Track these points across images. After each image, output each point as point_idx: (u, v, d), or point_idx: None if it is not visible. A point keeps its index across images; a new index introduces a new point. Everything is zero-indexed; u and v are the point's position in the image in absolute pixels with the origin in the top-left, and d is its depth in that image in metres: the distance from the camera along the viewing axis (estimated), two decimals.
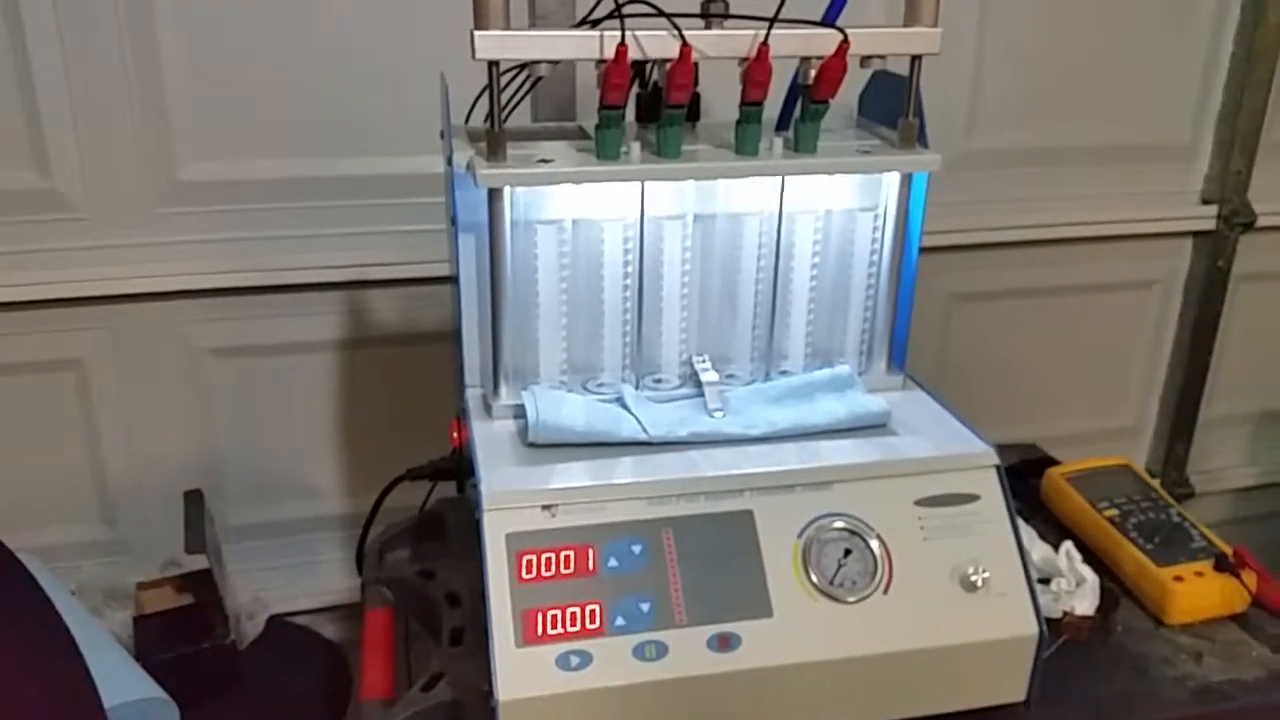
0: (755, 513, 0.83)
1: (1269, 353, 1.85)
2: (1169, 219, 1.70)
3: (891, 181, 0.93)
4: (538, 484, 0.82)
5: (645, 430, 0.87)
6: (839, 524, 0.84)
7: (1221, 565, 0.98)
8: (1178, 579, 0.98)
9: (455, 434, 1.05)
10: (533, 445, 0.87)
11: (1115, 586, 1.02)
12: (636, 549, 0.80)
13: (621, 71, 0.81)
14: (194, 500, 1.27)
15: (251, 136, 1.26)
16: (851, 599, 0.82)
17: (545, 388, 0.93)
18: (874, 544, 0.83)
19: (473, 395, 0.95)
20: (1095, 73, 1.53)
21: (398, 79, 1.27)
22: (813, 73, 0.87)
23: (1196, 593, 0.97)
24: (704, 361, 0.95)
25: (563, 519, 0.81)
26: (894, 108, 0.94)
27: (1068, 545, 1.02)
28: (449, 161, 0.89)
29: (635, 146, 0.87)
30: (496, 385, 0.92)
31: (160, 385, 1.34)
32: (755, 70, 0.84)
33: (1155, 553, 1.01)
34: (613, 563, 0.80)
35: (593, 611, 0.78)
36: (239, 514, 1.46)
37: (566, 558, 0.79)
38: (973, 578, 0.83)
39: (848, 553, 0.83)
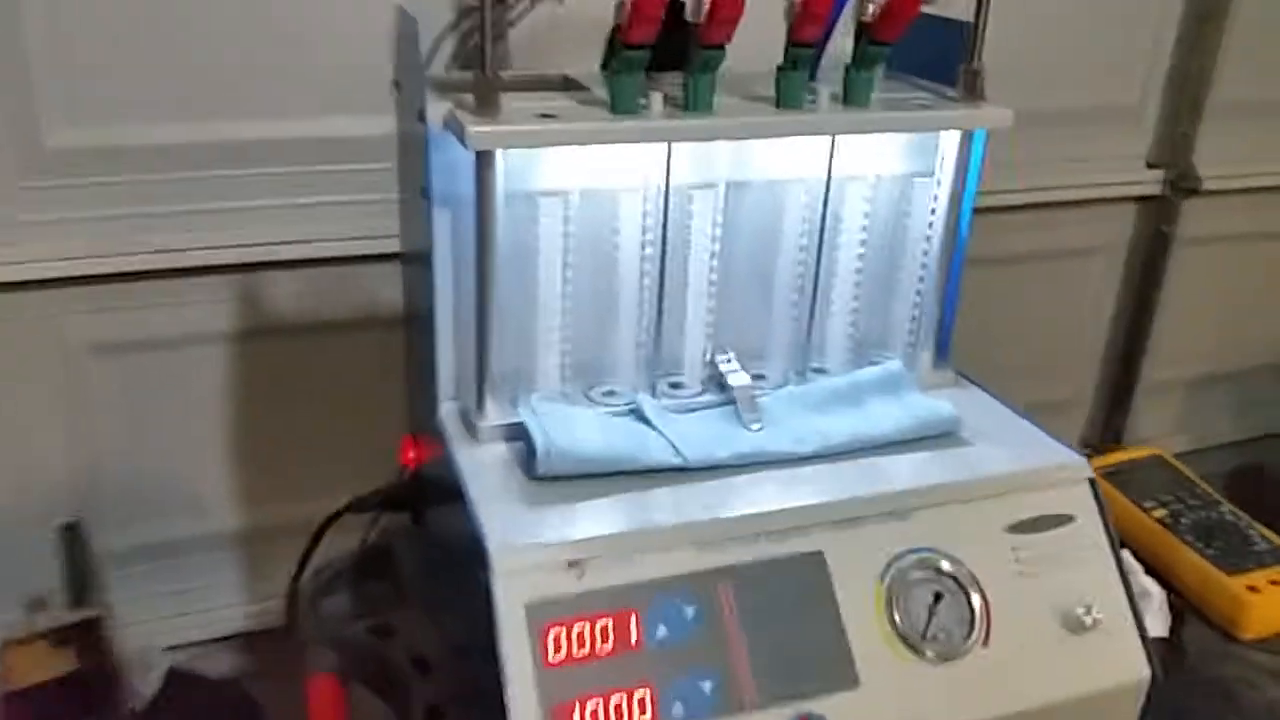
0: (826, 554, 0.65)
1: (1203, 319, 1.78)
2: (1115, 184, 1.59)
3: (950, 142, 0.75)
4: (557, 533, 0.62)
5: (679, 452, 0.68)
6: (925, 562, 0.66)
7: None
8: (1252, 589, 0.85)
9: (409, 453, 0.84)
10: (539, 479, 0.66)
11: (1175, 598, 0.88)
12: (689, 611, 0.62)
13: None
14: (72, 537, 1.02)
15: (133, 96, 1.01)
16: (949, 657, 0.65)
17: (543, 401, 0.72)
18: (967, 584, 0.66)
19: (449, 411, 0.74)
20: (1045, 34, 1.39)
21: (308, 24, 1.03)
22: (872, 7, 0.68)
23: (1274, 604, 0.84)
24: (729, 361, 0.76)
25: (594, 578, 0.61)
26: (933, 57, 0.77)
27: (1125, 555, 0.87)
28: (421, 118, 0.67)
29: (656, 98, 0.67)
30: (481, 399, 0.72)
31: (29, 388, 1.08)
32: (814, 1, 0.65)
33: (1220, 559, 0.87)
34: (661, 632, 0.61)
35: (642, 700, 0.59)
36: (120, 536, 1.21)
37: (603, 629, 0.60)
38: (1081, 617, 0.67)
39: (938, 598, 0.66)
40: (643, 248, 0.71)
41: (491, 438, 0.71)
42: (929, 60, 0.80)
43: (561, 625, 0.60)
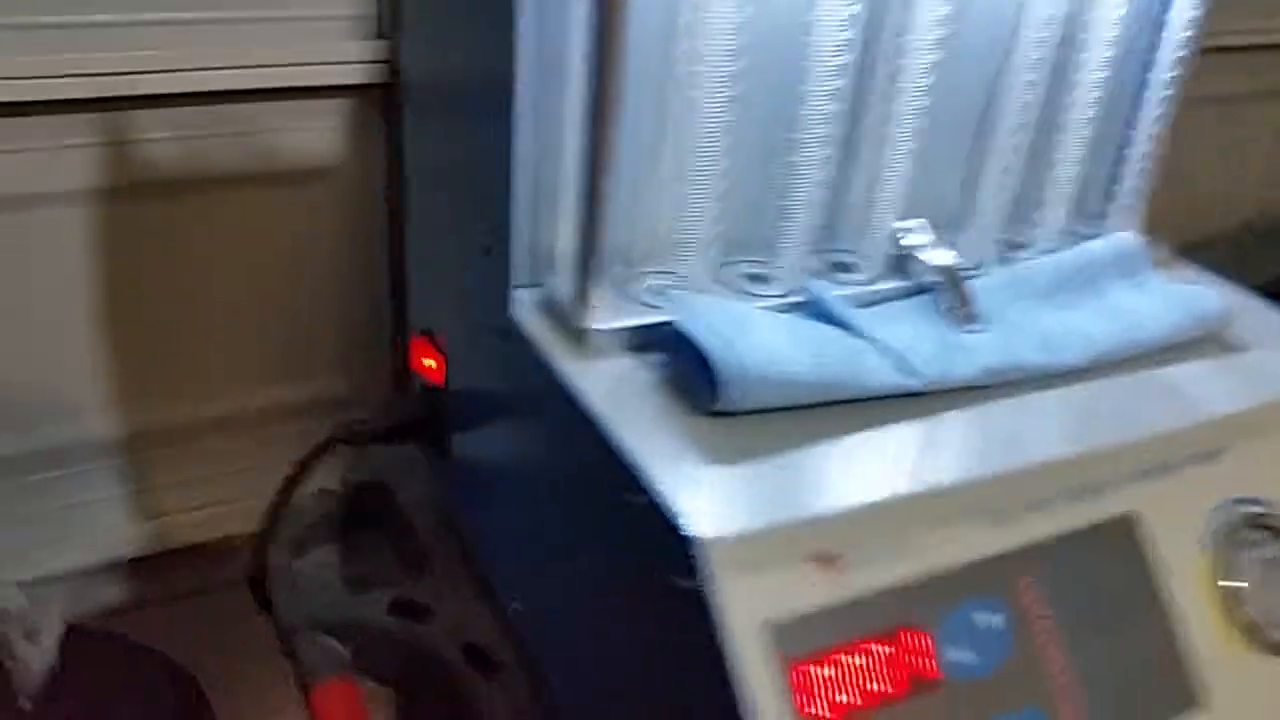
0: (1140, 517, 0.42)
1: None
2: None
3: None
4: (786, 507, 0.37)
5: (910, 369, 0.44)
6: (1253, 518, 0.45)
7: None
8: None
9: (422, 360, 0.57)
10: (714, 414, 0.41)
11: None
12: (996, 620, 0.38)
13: None
14: None
15: None
16: None
17: (675, 292, 0.47)
18: None
19: (528, 305, 0.47)
20: None
21: None
22: None
23: None
24: (916, 232, 0.51)
25: (857, 577, 0.37)
26: None
27: None
28: None
29: None
30: (586, 287, 0.45)
31: None
32: None
33: None
34: (965, 657, 0.37)
35: None
36: None
37: (881, 662, 0.36)
38: None
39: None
40: (838, 53, 0.45)
41: (607, 347, 0.46)
42: None
43: (822, 659, 0.36)
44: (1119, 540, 0.42)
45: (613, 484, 0.39)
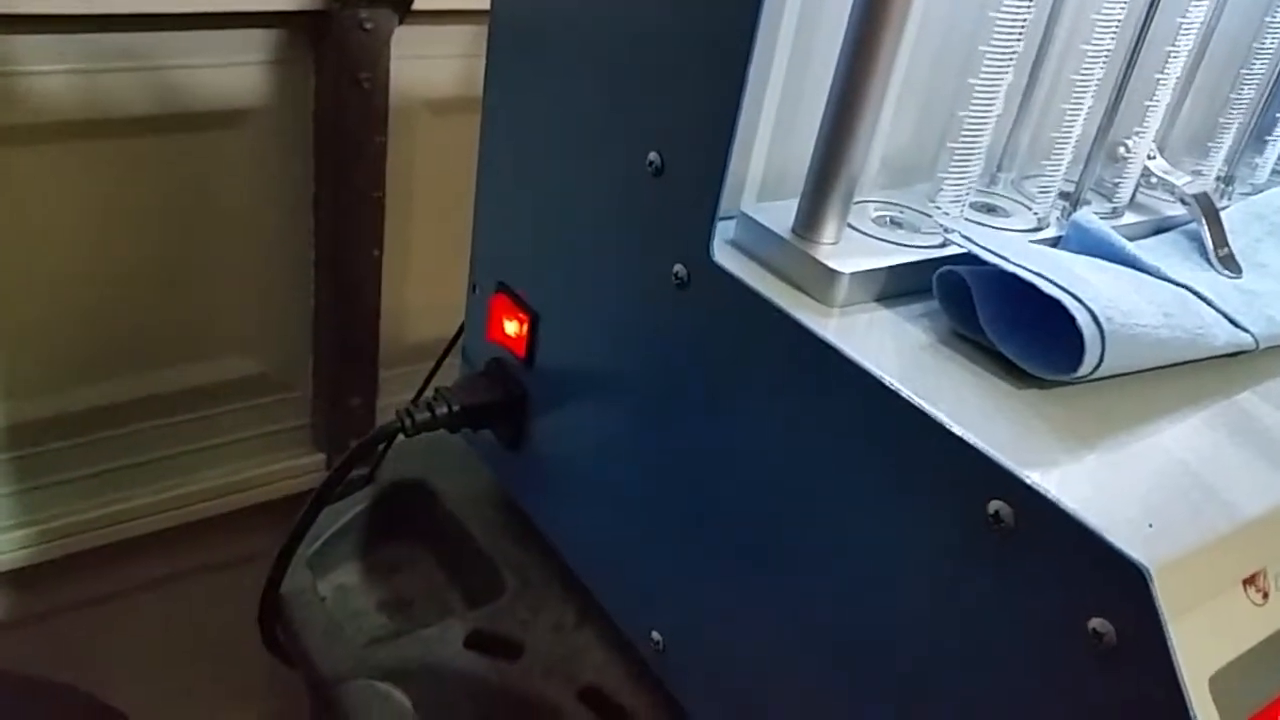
0: None
1: None
2: None
3: None
4: (1208, 514, 0.31)
5: (1244, 327, 0.38)
6: None
7: None
8: None
9: (508, 325, 0.48)
10: (1059, 383, 0.35)
11: None
12: None
13: None
14: None
15: None
16: None
17: (905, 224, 0.40)
18: None
19: (733, 241, 0.39)
20: None
21: None
22: None
23: None
24: (1155, 158, 0.46)
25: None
26: None
27: None
28: None
29: None
30: (819, 218, 0.37)
31: None
32: None
33: None
34: None
35: None
36: None
37: None
38: None
39: None
40: None
41: (859, 295, 0.37)
42: None
43: (1272, 715, 0.30)
44: None
45: (955, 485, 0.31)
